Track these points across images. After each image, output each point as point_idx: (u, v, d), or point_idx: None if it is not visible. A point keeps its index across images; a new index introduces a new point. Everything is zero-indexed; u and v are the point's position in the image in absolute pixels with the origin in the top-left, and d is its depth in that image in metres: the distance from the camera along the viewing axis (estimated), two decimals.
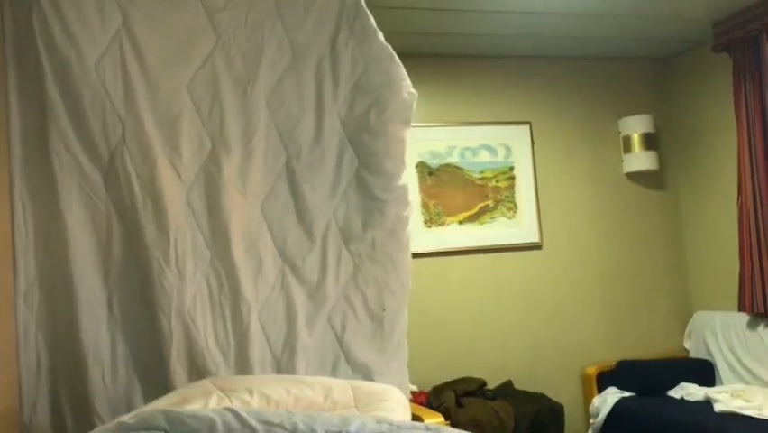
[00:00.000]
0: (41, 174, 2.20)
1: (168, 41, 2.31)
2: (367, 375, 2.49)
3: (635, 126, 4.62)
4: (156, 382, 2.25)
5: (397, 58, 2.60)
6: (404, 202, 2.59)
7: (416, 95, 2.64)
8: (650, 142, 4.63)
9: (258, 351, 2.39)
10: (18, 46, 2.19)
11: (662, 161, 4.72)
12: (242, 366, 2.35)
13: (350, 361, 2.51)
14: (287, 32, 2.49)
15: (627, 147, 4.66)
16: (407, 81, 2.60)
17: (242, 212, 2.39)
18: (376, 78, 2.56)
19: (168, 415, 1.64)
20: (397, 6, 3.60)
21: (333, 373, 2.48)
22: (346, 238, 2.53)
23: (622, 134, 4.69)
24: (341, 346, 2.51)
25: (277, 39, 2.47)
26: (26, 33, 2.18)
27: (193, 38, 2.35)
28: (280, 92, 2.47)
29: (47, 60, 2.17)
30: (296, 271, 2.47)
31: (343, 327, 2.51)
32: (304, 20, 2.51)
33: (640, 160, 4.63)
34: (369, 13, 2.59)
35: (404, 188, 2.60)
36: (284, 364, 2.41)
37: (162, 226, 2.26)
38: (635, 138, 4.62)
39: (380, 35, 2.60)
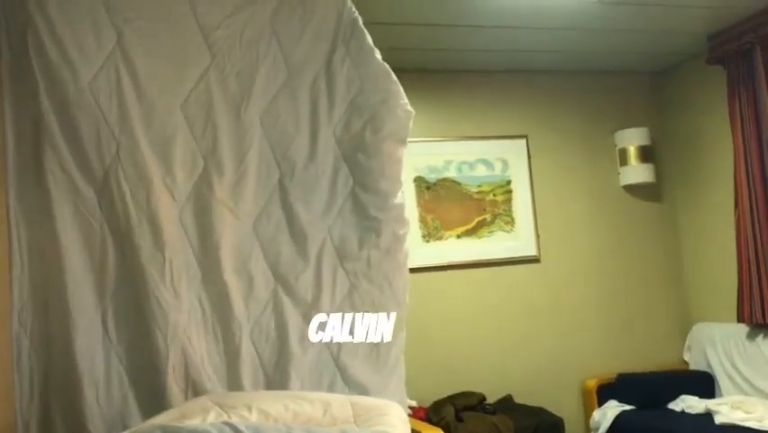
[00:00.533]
0: (36, 193, 2.20)
1: (162, 61, 2.32)
2: (364, 395, 2.48)
3: (632, 139, 4.65)
4: (152, 399, 2.25)
5: (394, 76, 2.59)
6: (400, 221, 2.58)
7: (413, 113, 2.63)
8: (646, 154, 4.65)
9: (249, 370, 2.38)
10: (14, 65, 2.20)
11: (658, 173, 4.74)
12: (234, 386, 2.34)
13: (346, 380, 2.50)
14: (282, 50, 2.50)
15: (624, 160, 4.68)
16: (405, 99, 2.59)
17: (233, 232, 2.39)
18: (372, 96, 2.56)
19: (165, 430, 1.65)
20: (392, 22, 3.63)
21: (330, 392, 2.47)
22: (342, 257, 2.53)
23: (618, 147, 4.71)
24: (337, 366, 2.50)
25: (272, 57, 2.47)
26: (22, 53, 2.19)
27: (187, 57, 2.36)
28: (275, 110, 2.47)
29: (41, 79, 2.18)
30: (289, 291, 2.46)
31: (340, 347, 2.50)
32: (299, 38, 2.52)
33: (637, 172, 4.65)
34: (365, 31, 2.59)
35: (400, 207, 2.59)
36: (276, 384, 2.40)
37: (157, 245, 2.26)
38: (632, 151, 4.64)
39: (377, 53, 2.60)
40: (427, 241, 4.30)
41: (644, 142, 4.65)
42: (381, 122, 2.56)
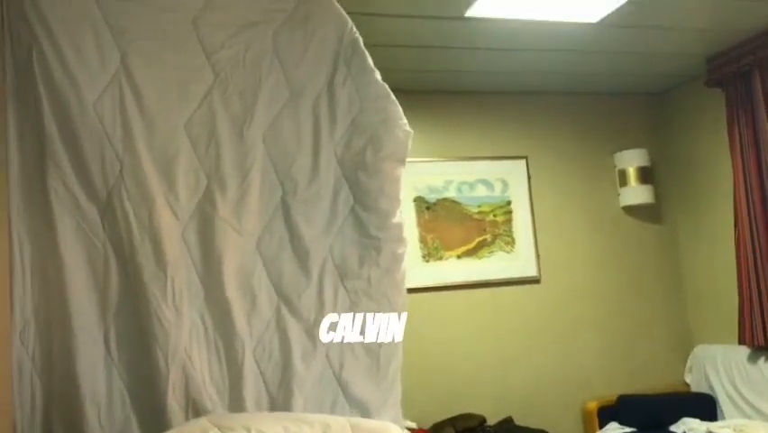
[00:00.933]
0: (39, 212, 2.19)
1: (166, 81, 2.33)
2: (365, 412, 2.47)
3: (631, 160, 4.67)
4: (152, 419, 2.23)
5: (393, 96, 2.61)
6: (399, 240, 2.59)
7: (412, 133, 2.65)
8: (646, 175, 4.67)
9: (252, 389, 2.37)
10: (18, 84, 2.20)
11: (658, 194, 4.75)
12: (236, 404, 2.33)
13: (348, 398, 2.49)
14: (284, 70, 2.51)
15: (623, 181, 4.70)
16: (404, 120, 2.61)
17: (236, 249, 2.39)
18: (372, 116, 2.57)
19: None
20: (387, 44, 3.65)
21: (332, 411, 2.46)
22: (342, 275, 2.53)
23: (618, 168, 4.73)
24: (339, 383, 2.49)
25: (274, 76, 2.49)
26: (26, 72, 2.20)
27: (191, 77, 2.37)
28: (277, 129, 2.49)
29: (46, 98, 2.18)
30: (292, 308, 2.46)
31: (341, 365, 2.49)
32: (301, 58, 2.53)
33: (636, 193, 4.66)
34: (366, 51, 2.61)
35: (399, 227, 2.60)
36: (280, 403, 2.39)
37: (160, 264, 2.26)
38: (631, 172, 4.66)
39: (377, 74, 2.61)
40: (427, 261, 4.30)
41: (644, 163, 4.67)
42: (381, 142, 2.57)
